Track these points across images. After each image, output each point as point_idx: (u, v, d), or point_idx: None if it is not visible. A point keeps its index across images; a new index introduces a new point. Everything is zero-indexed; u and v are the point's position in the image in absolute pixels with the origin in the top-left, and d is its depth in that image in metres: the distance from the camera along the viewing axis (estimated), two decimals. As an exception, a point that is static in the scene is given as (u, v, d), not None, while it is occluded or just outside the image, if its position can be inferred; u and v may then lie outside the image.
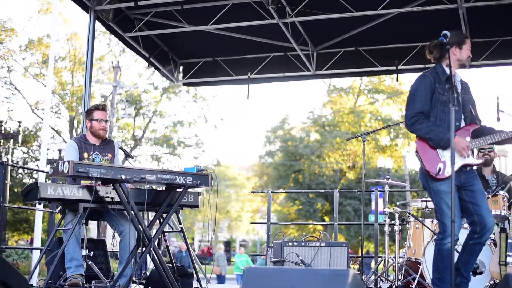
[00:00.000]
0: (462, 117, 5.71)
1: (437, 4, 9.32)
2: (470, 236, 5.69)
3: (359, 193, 8.96)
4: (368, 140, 8.84)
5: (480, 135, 5.72)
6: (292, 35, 10.65)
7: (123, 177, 5.94)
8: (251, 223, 42.09)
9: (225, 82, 12.37)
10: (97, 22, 10.20)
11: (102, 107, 7.05)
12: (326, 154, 35.21)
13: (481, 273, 7.17)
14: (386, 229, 8.71)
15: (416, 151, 5.76)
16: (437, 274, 5.61)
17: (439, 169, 5.54)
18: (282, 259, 7.99)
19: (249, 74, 11.76)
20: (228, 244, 50.91)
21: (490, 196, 7.62)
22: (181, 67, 12.61)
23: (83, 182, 6.22)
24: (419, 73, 5.89)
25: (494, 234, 7.31)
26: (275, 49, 11.52)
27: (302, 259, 7.99)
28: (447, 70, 5.56)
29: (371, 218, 19.08)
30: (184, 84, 13.09)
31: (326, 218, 35.05)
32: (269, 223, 11.04)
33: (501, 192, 7.65)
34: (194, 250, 51.71)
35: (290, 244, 8.21)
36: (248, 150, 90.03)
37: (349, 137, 11.54)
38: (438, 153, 5.58)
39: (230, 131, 72.45)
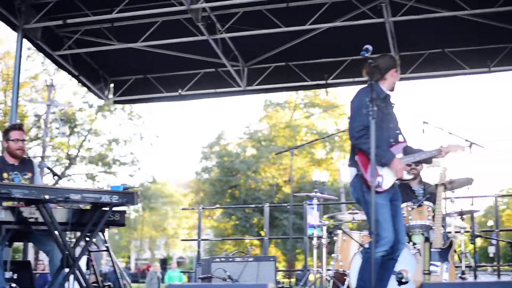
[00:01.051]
0: (395, 135, 5.93)
1: (365, 19, 9.50)
2: (386, 251, 5.75)
3: (288, 207, 8.98)
4: (297, 154, 8.89)
5: (405, 152, 5.94)
6: (223, 51, 10.68)
7: (46, 197, 5.78)
8: (182, 240, 41.77)
9: (156, 99, 12.29)
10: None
11: (18, 127, 6.90)
12: (262, 169, 35.31)
13: (406, 282, 7.26)
14: (315, 242, 8.75)
15: (355, 163, 5.82)
16: (362, 283, 5.67)
17: (378, 182, 5.68)
18: (209, 275, 7.94)
19: (179, 91, 11.70)
20: (164, 262, 50.33)
21: (415, 207, 7.77)
22: (112, 85, 12.48)
23: (5, 204, 6.04)
24: (349, 87, 6.03)
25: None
26: (206, 65, 11.52)
27: (230, 274, 7.96)
28: (385, 90, 5.85)
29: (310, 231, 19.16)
30: (115, 102, 12.92)
31: (262, 233, 35.03)
32: (199, 239, 11.00)
33: (426, 203, 7.81)
34: (129, 269, 51.03)
35: (217, 260, 8.19)
36: (184, 166, 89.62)
37: (278, 152, 11.64)
38: (376, 167, 5.66)
39: (166, 148, 72.03)
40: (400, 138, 5.97)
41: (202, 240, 11.42)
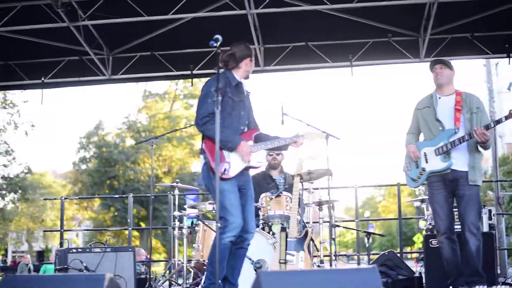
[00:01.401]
0: (246, 122, 5.98)
1: (228, 10, 9.53)
2: (235, 240, 5.81)
3: (153, 197, 8.87)
4: (157, 145, 8.82)
5: (259, 140, 5.99)
6: (86, 39, 10.43)
7: None
8: (44, 231, 40.60)
9: (18, 87, 11.89)
10: None
11: None
12: (142, 160, 35.03)
13: (264, 271, 7.34)
14: (176, 232, 8.72)
15: (203, 151, 5.82)
16: (211, 268, 5.68)
17: (225, 169, 5.71)
18: (65, 266, 7.78)
19: (42, 79, 11.33)
20: (42, 254, 48.88)
21: (273, 197, 7.88)
22: (-30, 72, 11.88)
23: None
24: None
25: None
26: (70, 53, 11.17)
27: (87, 265, 7.82)
28: (237, 78, 5.89)
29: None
30: (-24, 89, 12.38)
31: (142, 224, 34.82)
32: (62, 230, 10.79)
33: (284, 193, 7.94)
34: (5, 262, 49.23)
35: (74, 250, 8.05)
36: (62, 157, 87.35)
37: (138, 142, 11.50)
38: (224, 154, 5.75)
39: (43, 137, 69.93)
40: (253, 126, 6.04)
41: (65, 230, 11.17)
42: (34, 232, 52.33)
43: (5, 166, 32.93)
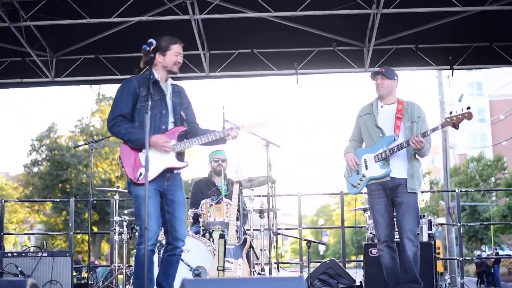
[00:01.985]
0: (171, 120, 5.70)
1: (171, 15, 9.49)
2: (165, 248, 5.73)
3: (94, 201, 8.74)
4: (96, 148, 8.70)
5: (194, 137, 5.76)
6: (28, 40, 10.25)
7: None
8: None
9: (-40, 87, 11.60)
10: None
11: None
12: (94, 164, 34.65)
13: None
14: (116, 237, 8.62)
15: (119, 157, 5.71)
16: (137, 281, 5.56)
17: (140, 174, 5.49)
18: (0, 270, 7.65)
19: (-15, 80, 11.11)
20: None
21: (213, 203, 7.83)
22: None
23: None
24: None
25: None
26: (13, 54, 10.96)
27: (22, 270, 7.71)
28: (156, 75, 5.65)
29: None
30: None
31: (95, 228, 34.46)
32: (2, 233, 10.58)
33: (225, 200, 7.89)
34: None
35: (9, 254, 7.95)
36: (15, 158, 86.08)
37: (76, 145, 11.34)
38: (140, 158, 5.52)
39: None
40: (180, 123, 5.74)
41: (4, 234, 10.93)
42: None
43: (-48, 167, 32.33)
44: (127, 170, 5.55)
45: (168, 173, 5.62)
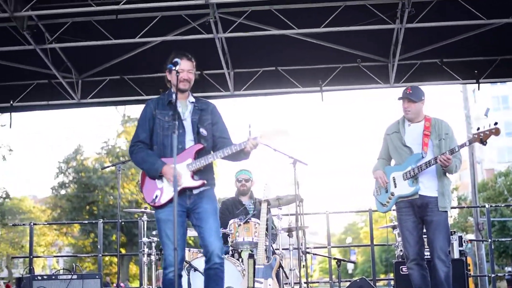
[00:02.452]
0: (189, 138, 5.51)
1: (195, 34, 9.52)
2: (205, 262, 5.49)
3: (122, 223, 8.76)
4: (123, 169, 8.70)
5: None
6: (54, 62, 10.36)
7: None
8: (12, 258, 40.12)
9: (-14, 110, 11.73)
10: None
11: None
12: (121, 185, 34.80)
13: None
14: (145, 259, 8.58)
15: (138, 181, 5.68)
16: None
17: (156, 196, 5.40)
18: (29, 294, 7.68)
19: (11, 102, 11.20)
20: (21, 281, 48.27)
21: (242, 223, 7.75)
22: None
23: None
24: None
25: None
26: (39, 76, 11.08)
27: (51, 293, 7.73)
28: (173, 94, 5.46)
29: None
30: None
31: (123, 250, 34.47)
32: (31, 256, 10.62)
33: (253, 219, 7.80)
34: (-21, 287, 48.58)
35: (39, 278, 7.97)
36: (42, 181, 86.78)
37: (104, 167, 11.50)
38: (156, 181, 5.45)
39: (21, 162, 69.46)
40: (197, 141, 5.50)
41: (34, 257, 10.99)
42: (14, 259, 51.86)
43: (-19, 190, 32.61)
44: (145, 195, 5.51)
45: (188, 192, 5.48)
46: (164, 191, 5.40)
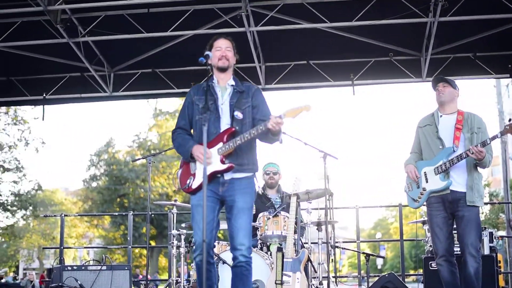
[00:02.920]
0: (226, 122, 5.39)
1: (227, 27, 9.53)
2: (232, 259, 5.43)
3: (152, 215, 8.78)
4: (154, 162, 8.76)
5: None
6: (86, 55, 10.47)
7: None
8: (43, 248, 40.63)
9: (20, 103, 11.95)
10: None
11: None
12: (152, 178, 35.00)
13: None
14: (174, 251, 8.62)
15: (176, 170, 5.69)
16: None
17: (189, 182, 5.38)
18: (60, 284, 7.77)
19: (44, 95, 11.34)
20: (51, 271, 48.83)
21: (271, 216, 7.76)
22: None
23: None
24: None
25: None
26: (72, 69, 11.20)
27: (81, 283, 7.83)
28: (215, 80, 5.48)
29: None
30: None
31: (153, 242, 34.77)
32: (62, 247, 10.72)
33: (282, 213, 7.80)
34: (16, 278, 49.28)
35: (69, 268, 8.05)
36: (73, 174, 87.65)
37: (134, 159, 11.64)
38: (190, 167, 5.43)
39: (54, 154, 70.27)
40: (232, 126, 5.37)
41: (64, 248, 11.11)
42: (45, 250, 52.49)
43: (15, 182, 32.98)
44: (181, 181, 5.50)
45: (222, 179, 5.36)
46: (197, 176, 5.35)
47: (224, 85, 5.54)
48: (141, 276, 12.33)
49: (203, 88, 5.47)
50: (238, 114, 5.43)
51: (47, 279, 9.85)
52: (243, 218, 5.36)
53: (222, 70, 5.52)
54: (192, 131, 5.57)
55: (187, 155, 5.37)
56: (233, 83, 5.58)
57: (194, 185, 5.34)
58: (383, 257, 18.93)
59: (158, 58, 10.81)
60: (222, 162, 5.30)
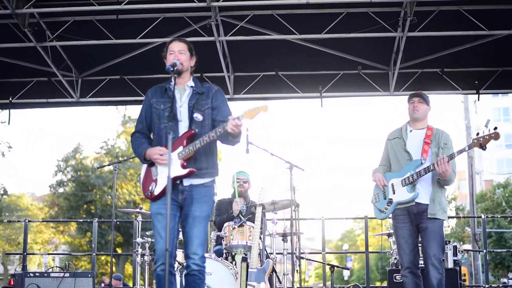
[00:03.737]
0: (184, 125, 5.29)
1: (196, 36, 9.51)
2: (185, 267, 5.36)
3: (118, 222, 8.72)
4: (120, 169, 8.69)
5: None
6: (54, 60, 10.38)
7: None
8: (6, 254, 40.12)
9: (-15, 107, 11.70)
10: None
11: None
12: (119, 185, 34.75)
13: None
14: (139, 259, 8.56)
15: (138, 176, 5.66)
16: None
17: (151, 188, 5.28)
18: (21, 290, 7.69)
19: (10, 99, 11.20)
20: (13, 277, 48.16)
21: (236, 226, 7.76)
22: None
23: None
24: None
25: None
26: (39, 74, 11.08)
27: (43, 290, 7.74)
28: (172, 82, 5.34)
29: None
30: None
31: (119, 250, 34.48)
32: (25, 253, 10.60)
33: (248, 223, 7.80)
34: (-15, 283, 48.55)
35: (31, 275, 7.98)
36: (40, 179, 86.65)
37: (100, 166, 11.55)
38: (152, 172, 5.34)
39: (20, 159, 69.48)
40: (190, 128, 5.28)
41: (28, 254, 11.00)
42: (10, 255, 51.81)
43: (-22, 186, 32.55)
44: (142, 187, 5.43)
45: (181, 186, 5.23)
46: (158, 182, 5.26)
47: (182, 87, 5.46)
48: (102, 285, 12.26)
49: (160, 90, 5.46)
50: (198, 116, 5.33)
51: (7, 286, 9.74)
52: (198, 228, 5.26)
53: (177, 73, 5.37)
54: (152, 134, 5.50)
55: (141, 158, 5.33)
56: (193, 84, 5.49)
57: (157, 191, 5.25)
58: (348, 269, 19.08)
59: (127, 65, 10.74)
60: (183, 166, 5.19)
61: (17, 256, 52.68)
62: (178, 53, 5.46)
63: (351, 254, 57.09)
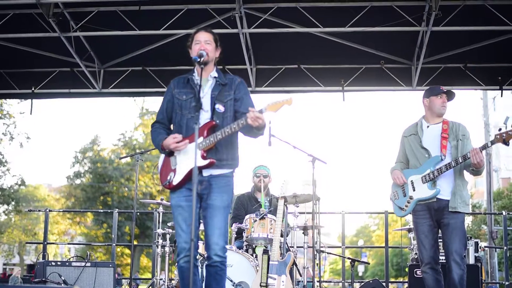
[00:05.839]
0: (206, 116, 5.25)
1: (220, 28, 9.45)
2: (206, 258, 5.31)
3: (138, 213, 8.75)
4: (142, 160, 8.71)
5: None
6: (77, 50, 10.39)
7: None
8: (26, 243, 40.33)
9: (7, 96, 11.80)
10: None
11: None
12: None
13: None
14: (159, 250, 8.58)
15: (156, 165, 5.62)
16: None
17: (169, 178, 5.25)
18: (43, 279, 7.71)
19: (33, 89, 11.24)
20: (32, 267, 48.46)
21: (257, 219, 7.75)
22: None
23: None
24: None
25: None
26: (62, 64, 11.10)
27: (65, 279, 7.77)
28: (196, 72, 5.38)
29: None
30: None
31: (135, 241, 34.56)
32: (46, 243, 10.67)
33: (269, 216, 7.79)
34: (-4, 274, 48.85)
35: (53, 264, 8.01)
36: (57, 170, 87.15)
37: (121, 157, 11.60)
38: (171, 162, 5.31)
39: (38, 149, 69.89)
40: (212, 118, 5.25)
41: (48, 243, 11.09)
42: (26, 245, 52.17)
43: (-2, 177, 32.75)
44: (161, 178, 5.40)
45: (201, 176, 5.16)
46: (177, 171, 5.23)
47: (206, 77, 5.42)
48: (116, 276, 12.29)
49: (183, 81, 5.45)
50: (220, 107, 5.32)
51: (28, 275, 9.78)
52: (218, 217, 5.24)
53: (203, 64, 5.28)
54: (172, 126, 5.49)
55: (159, 148, 5.32)
56: (216, 75, 5.47)
57: (175, 181, 5.23)
58: (367, 263, 19.02)
59: (149, 56, 10.75)
60: (203, 157, 5.15)
61: (33, 246, 53.26)
62: (204, 43, 5.41)
63: (366, 250, 56.88)
